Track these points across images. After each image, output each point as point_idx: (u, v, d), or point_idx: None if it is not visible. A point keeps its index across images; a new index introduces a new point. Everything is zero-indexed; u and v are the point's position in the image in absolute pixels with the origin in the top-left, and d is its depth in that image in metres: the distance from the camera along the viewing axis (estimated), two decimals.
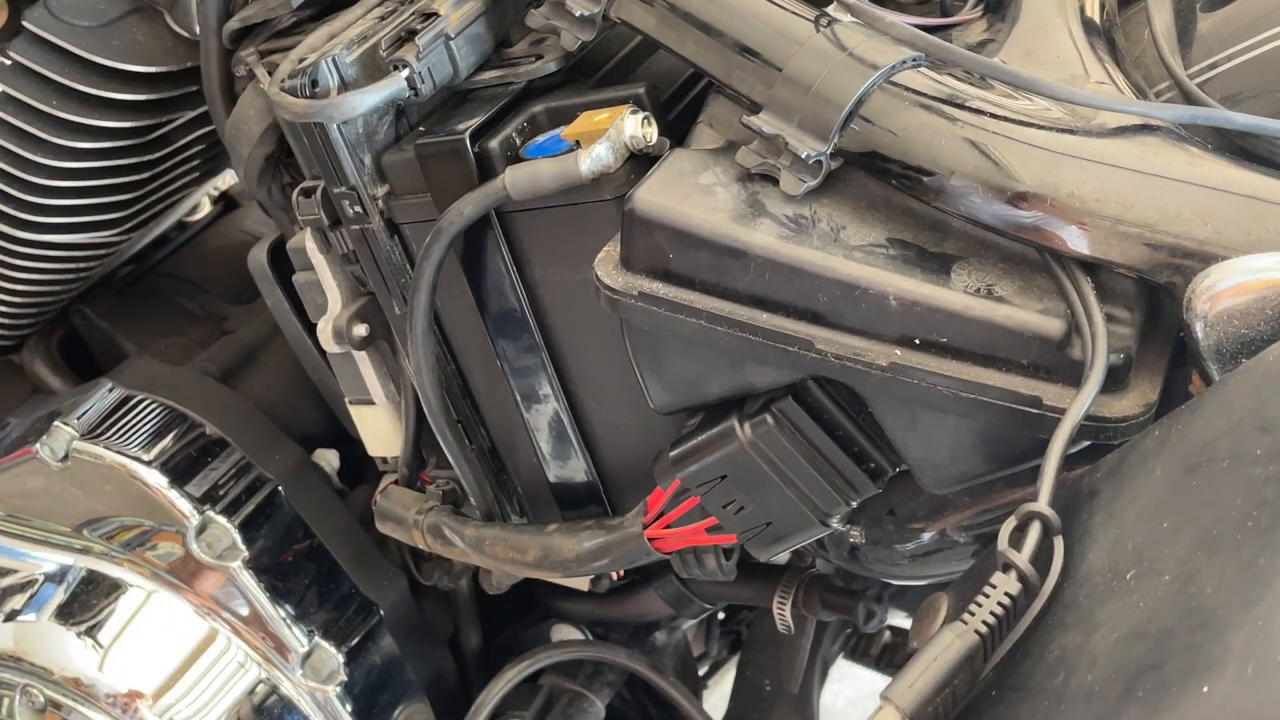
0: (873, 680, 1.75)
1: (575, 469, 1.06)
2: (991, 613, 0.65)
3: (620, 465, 1.05)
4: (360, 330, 1.07)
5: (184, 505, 1.18)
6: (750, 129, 0.83)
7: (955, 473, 0.85)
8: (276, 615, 1.18)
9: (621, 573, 1.22)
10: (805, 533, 0.92)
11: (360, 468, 1.29)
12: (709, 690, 1.62)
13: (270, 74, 0.98)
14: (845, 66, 0.80)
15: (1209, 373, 0.71)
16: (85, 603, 1.19)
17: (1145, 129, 0.80)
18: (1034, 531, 0.67)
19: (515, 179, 0.89)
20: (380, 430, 1.15)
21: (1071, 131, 0.80)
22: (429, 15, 0.95)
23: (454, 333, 1.04)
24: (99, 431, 1.20)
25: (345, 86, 0.94)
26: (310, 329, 1.15)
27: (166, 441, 1.20)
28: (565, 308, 0.98)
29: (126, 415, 1.22)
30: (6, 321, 1.33)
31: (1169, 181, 0.76)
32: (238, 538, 1.18)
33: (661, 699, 1.36)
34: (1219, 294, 0.70)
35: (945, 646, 0.64)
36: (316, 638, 1.20)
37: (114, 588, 1.19)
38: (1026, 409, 0.76)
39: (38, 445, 1.20)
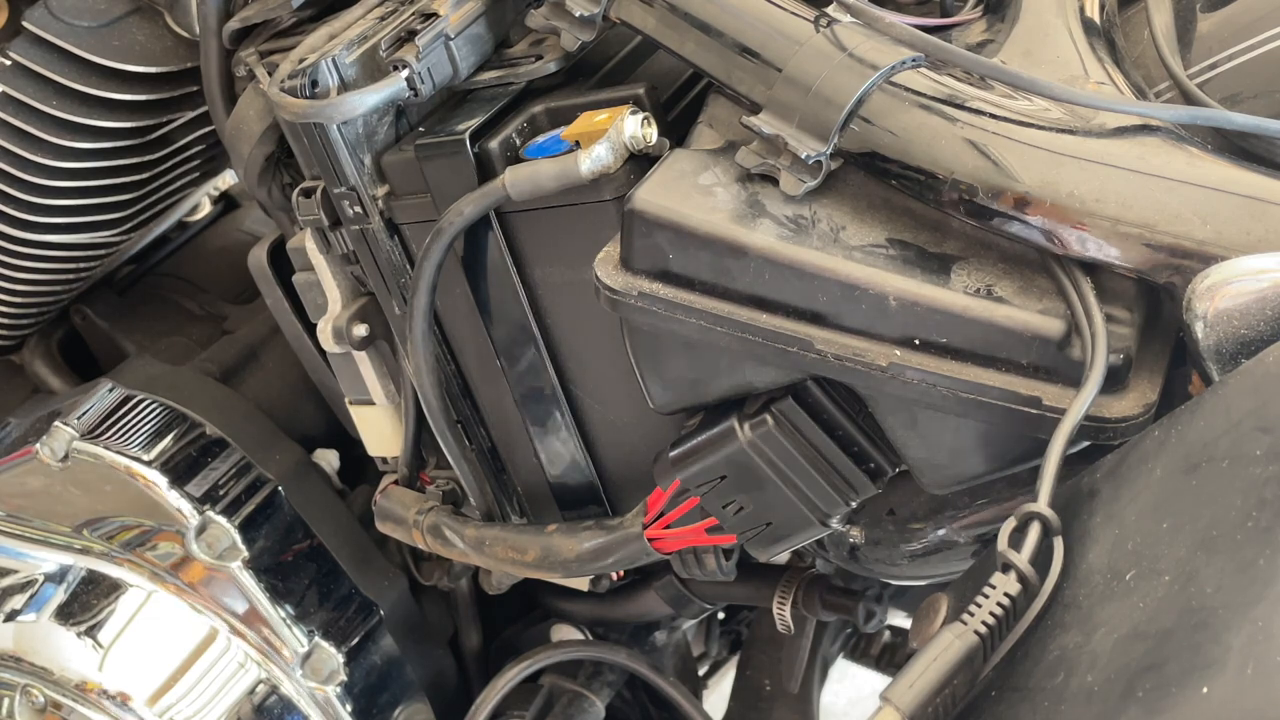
0: (873, 680, 1.75)
1: (575, 469, 1.06)
2: (991, 613, 0.65)
3: (620, 465, 1.05)
4: (360, 330, 1.07)
5: (184, 505, 1.17)
6: (750, 129, 0.83)
7: (955, 473, 0.85)
8: (276, 615, 1.18)
9: (621, 573, 1.22)
10: (805, 533, 0.92)
11: (360, 468, 1.29)
12: (709, 690, 1.62)
13: (270, 74, 0.98)
14: (845, 67, 0.80)
15: (1209, 373, 0.71)
16: (85, 603, 1.19)
17: (1145, 129, 0.80)
18: (1033, 532, 0.67)
19: (515, 179, 0.89)
20: (380, 430, 1.15)
21: (1071, 132, 0.80)
22: (429, 15, 0.95)
23: (454, 333, 1.04)
24: (99, 431, 1.20)
25: (345, 87, 0.94)
26: (310, 329, 1.15)
27: (166, 441, 1.20)
28: (565, 308, 0.98)
29: (126, 415, 1.22)
30: (7, 321, 1.33)
31: (1169, 181, 0.76)
32: (238, 538, 1.18)
33: (661, 699, 1.36)
34: (1219, 294, 0.70)
35: (945, 647, 0.64)
36: (316, 638, 1.20)
37: (114, 588, 1.19)
38: (1026, 409, 0.76)
39: (38, 445, 1.20)
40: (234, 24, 1.06)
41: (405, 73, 0.93)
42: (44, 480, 1.22)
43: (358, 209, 0.98)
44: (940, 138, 0.80)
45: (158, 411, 1.22)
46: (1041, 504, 0.68)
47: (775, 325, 0.81)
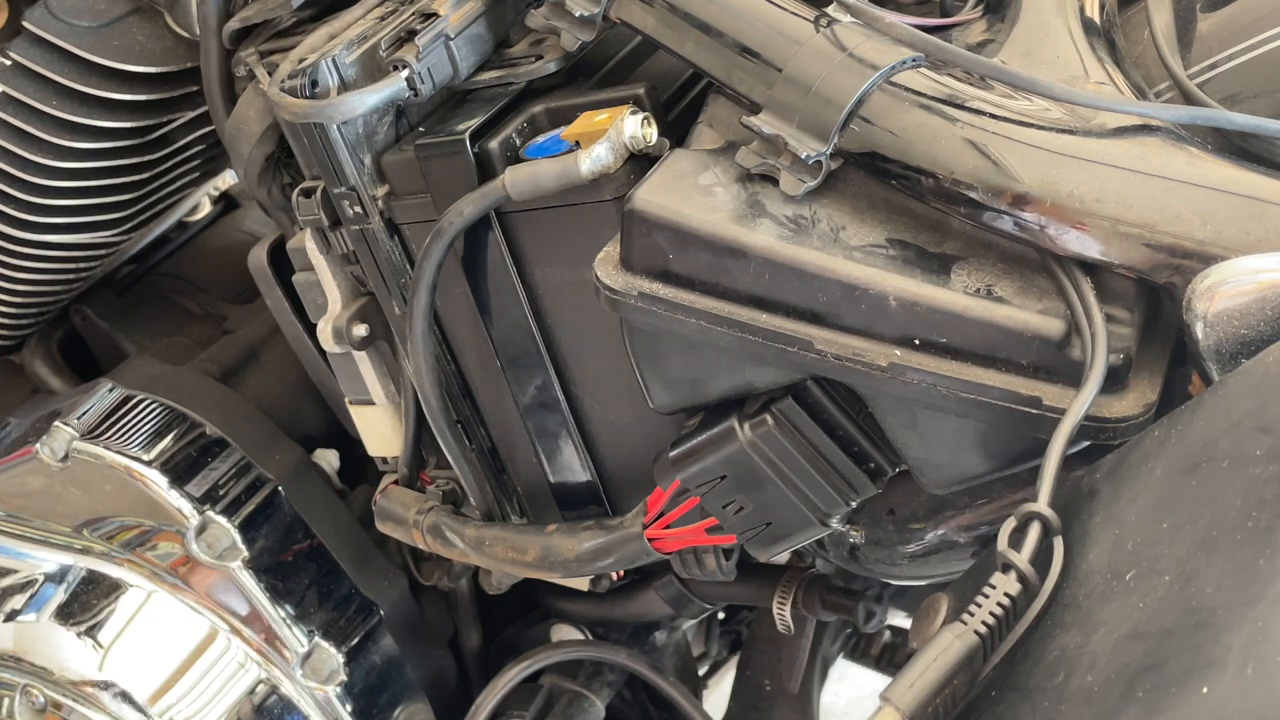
0: (873, 680, 1.75)
1: (575, 469, 1.06)
2: (991, 613, 0.65)
3: (620, 465, 1.05)
4: (360, 330, 1.07)
5: (184, 505, 1.17)
6: (750, 129, 0.83)
7: (955, 473, 0.85)
8: (276, 615, 1.18)
9: (621, 573, 1.22)
10: (805, 533, 0.92)
11: (360, 468, 1.29)
12: (709, 690, 1.62)
13: (270, 74, 0.98)
14: (845, 67, 0.80)
15: (1209, 373, 0.71)
16: (85, 603, 1.19)
17: (1145, 129, 0.80)
18: (1034, 532, 0.67)
19: (515, 179, 0.89)
20: (380, 430, 1.15)
21: (1071, 132, 0.80)
22: (429, 15, 0.95)
23: (454, 333, 1.04)
24: (99, 431, 1.20)
25: (345, 87, 0.94)
26: (310, 329, 1.15)
27: (166, 441, 1.20)
28: (565, 308, 0.98)
29: (126, 415, 1.22)
30: (7, 321, 1.33)
31: (1169, 181, 0.76)
32: (238, 538, 1.18)
33: (661, 699, 1.36)
34: (1219, 294, 0.70)
35: (945, 647, 0.64)
36: (316, 638, 1.20)
37: (114, 588, 1.19)
38: (1026, 409, 0.76)
39: (38, 445, 1.20)
40: (234, 24, 1.06)
41: (405, 73, 0.93)
42: (44, 480, 1.22)
43: (358, 209, 0.98)
44: (940, 138, 0.80)
45: (158, 411, 1.22)
46: (1041, 504, 0.68)
47: (775, 325, 0.81)
